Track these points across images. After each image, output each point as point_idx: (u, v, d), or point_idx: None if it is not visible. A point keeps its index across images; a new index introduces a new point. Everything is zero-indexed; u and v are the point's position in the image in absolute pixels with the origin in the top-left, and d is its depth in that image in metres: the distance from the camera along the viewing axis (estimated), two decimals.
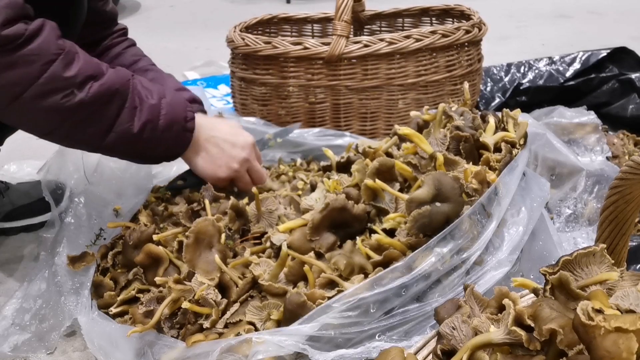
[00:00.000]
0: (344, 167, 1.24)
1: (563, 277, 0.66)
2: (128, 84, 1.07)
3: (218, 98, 2.25)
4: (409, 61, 1.53)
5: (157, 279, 1.00)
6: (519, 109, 1.19)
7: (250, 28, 1.82)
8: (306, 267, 0.96)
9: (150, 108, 1.08)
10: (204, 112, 1.34)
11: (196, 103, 1.32)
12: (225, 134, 1.21)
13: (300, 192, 1.24)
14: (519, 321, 0.63)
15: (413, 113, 1.23)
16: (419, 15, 1.93)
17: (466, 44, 1.60)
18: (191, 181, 1.28)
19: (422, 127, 1.21)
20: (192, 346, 0.89)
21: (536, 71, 1.90)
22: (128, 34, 1.45)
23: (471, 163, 1.07)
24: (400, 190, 1.06)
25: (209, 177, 1.21)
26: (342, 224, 1.03)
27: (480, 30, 1.62)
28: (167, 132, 1.11)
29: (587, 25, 3.46)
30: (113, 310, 1.04)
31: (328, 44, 1.50)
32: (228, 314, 0.97)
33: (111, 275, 1.11)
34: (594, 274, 0.68)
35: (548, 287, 0.69)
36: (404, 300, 0.92)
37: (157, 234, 1.10)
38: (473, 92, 1.67)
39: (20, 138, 1.31)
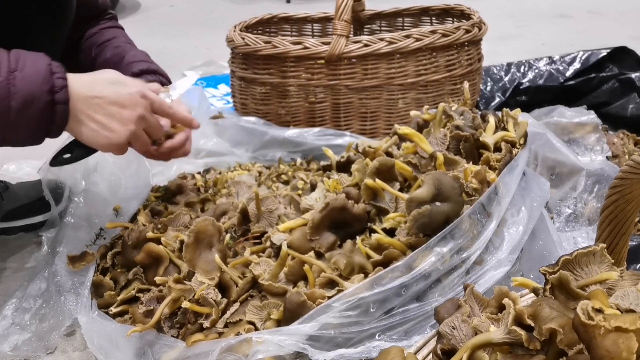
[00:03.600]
0: (344, 166, 1.24)
1: (563, 277, 0.66)
2: None
3: (218, 98, 2.25)
4: (409, 61, 1.53)
5: (157, 279, 1.00)
6: (519, 109, 1.19)
7: (250, 28, 1.81)
8: (306, 267, 0.96)
9: None
10: (163, 81, 1.26)
11: (150, 74, 1.24)
12: (109, 94, 1.02)
13: (300, 192, 1.24)
14: (519, 321, 0.63)
15: (413, 113, 1.23)
16: (419, 14, 1.93)
17: (466, 43, 1.60)
18: (78, 153, 1.10)
19: (422, 126, 1.21)
20: (192, 346, 0.89)
21: (536, 71, 1.90)
22: (116, 19, 1.41)
23: (471, 163, 1.07)
24: (400, 190, 1.06)
25: (102, 146, 1.05)
26: (342, 224, 1.03)
27: (480, 29, 1.62)
28: (25, 111, 0.93)
29: (587, 25, 3.46)
30: (113, 310, 1.04)
31: (328, 43, 1.50)
32: (228, 313, 0.97)
33: (111, 275, 1.11)
34: (594, 273, 0.68)
35: (548, 286, 0.69)
36: (404, 299, 0.92)
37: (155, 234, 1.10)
38: (473, 92, 1.67)
39: None
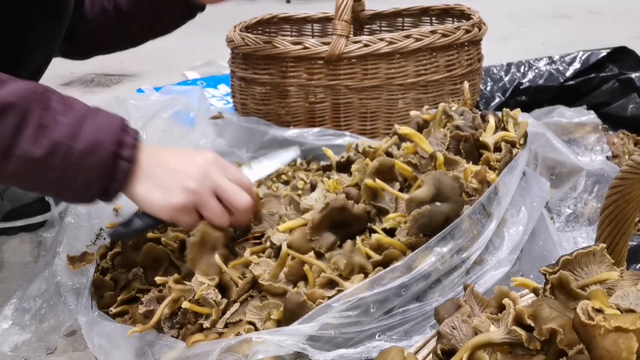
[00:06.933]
0: (344, 166, 1.24)
1: (563, 277, 0.66)
2: (33, 97, 0.86)
3: (218, 98, 2.25)
4: (409, 61, 1.53)
5: (157, 279, 1.00)
6: (519, 109, 1.19)
7: (250, 28, 1.82)
8: (306, 267, 0.96)
9: (64, 127, 0.87)
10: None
11: None
12: (177, 153, 0.97)
13: (300, 192, 1.24)
14: (519, 321, 0.63)
15: (413, 113, 1.23)
16: (419, 15, 1.93)
17: (466, 43, 1.59)
18: (137, 224, 1.01)
19: (422, 126, 1.21)
20: (192, 346, 0.89)
21: (536, 71, 1.90)
22: None
23: (471, 163, 1.07)
24: (400, 190, 1.06)
25: (160, 209, 0.95)
26: (342, 224, 1.03)
27: (480, 30, 1.61)
28: (88, 156, 0.88)
29: (587, 25, 3.46)
30: (113, 310, 1.04)
31: (328, 43, 1.50)
32: (228, 313, 0.97)
33: (111, 275, 1.11)
34: (594, 273, 0.68)
35: (548, 286, 0.69)
36: (404, 299, 0.92)
37: (155, 234, 1.10)
38: (473, 92, 1.67)
39: None
